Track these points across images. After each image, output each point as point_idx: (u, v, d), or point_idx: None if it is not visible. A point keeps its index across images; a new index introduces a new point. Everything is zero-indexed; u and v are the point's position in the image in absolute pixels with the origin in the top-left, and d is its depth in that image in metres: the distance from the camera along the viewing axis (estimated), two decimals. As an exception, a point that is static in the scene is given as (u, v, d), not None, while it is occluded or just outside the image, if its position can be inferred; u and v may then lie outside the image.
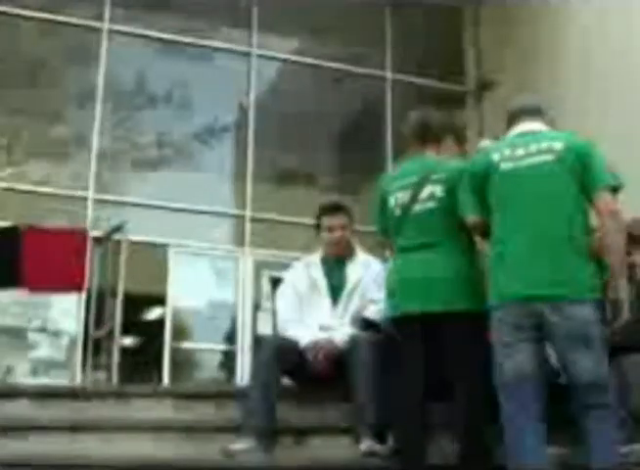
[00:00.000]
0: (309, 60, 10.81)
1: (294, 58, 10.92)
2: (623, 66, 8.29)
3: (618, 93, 8.19)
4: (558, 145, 3.33)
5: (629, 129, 7.45)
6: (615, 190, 3.29)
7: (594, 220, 3.30)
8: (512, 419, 3.16)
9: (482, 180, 3.40)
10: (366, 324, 4.02)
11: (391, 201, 3.66)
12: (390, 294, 3.61)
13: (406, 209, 3.58)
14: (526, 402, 3.15)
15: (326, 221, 4.28)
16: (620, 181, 3.32)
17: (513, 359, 3.19)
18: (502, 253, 3.31)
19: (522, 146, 3.38)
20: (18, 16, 9.41)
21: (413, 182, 3.60)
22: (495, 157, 3.40)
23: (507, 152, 3.39)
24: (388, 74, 10.92)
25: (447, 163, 3.65)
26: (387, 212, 3.69)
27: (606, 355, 3.19)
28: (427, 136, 3.72)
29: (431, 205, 3.55)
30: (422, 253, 3.51)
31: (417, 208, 3.57)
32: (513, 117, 3.55)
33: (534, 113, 3.52)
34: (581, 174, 3.26)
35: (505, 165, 3.36)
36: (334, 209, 4.34)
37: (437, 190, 3.56)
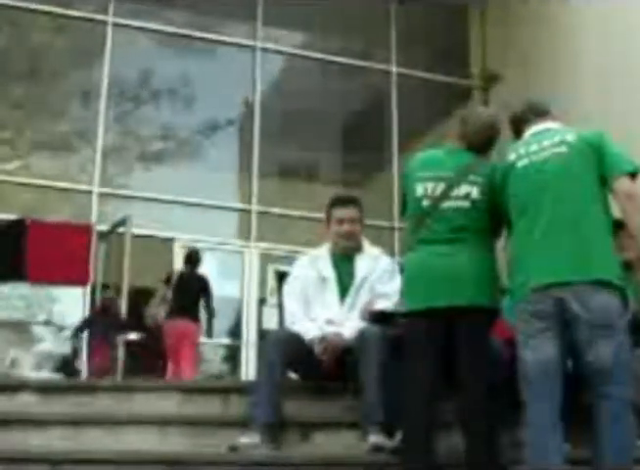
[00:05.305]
0: (314, 54, 10.78)
1: (299, 52, 10.90)
2: (623, 64, 8.35)
3: (619, 91, 8.26)
4: (570, 137, 3.35)
5: (630, 126, 7.44)
6: (633, 175, 3.26)
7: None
8: (534, 415, 3.13)
9: (502, 182, 3.41)
10: (381, 317, 3.96)
11: (419, 189, 3.53)
12: (414, 287, 3.51)
13: (436, 202, 3.48)
14: (548, 397, 3.13)
15: (336, 213, 4.22)
16: (637, 166, 3.28)
17: (535, 351, 3.17)
18: (521, 247, 3.32)
19: (535, 142, 3.41)
20: (23, 9, 9.39)
21: (448, 177, 3.50)
22: (512, 157, 3.43)
23: (522, 150, 3.42)
24: (394, 68, 10.89)
25: (485, 165, 3.57)
26: (410, 198, 3.58)
27: (627, 344, 3.16)
28: (481, 143, 3.61)
29: (466, 205, 3.47)
30: (448, 248, 3.44)
31: (448, 204, 3.47)
32: (521, 121, 3.56)
33: (543, 113, 3.55)
34: (597, 163, 3.27)
35: (521, 163, 3.39)
36: (344, 201, 4.30)
37: (474, 191, 3.48)
